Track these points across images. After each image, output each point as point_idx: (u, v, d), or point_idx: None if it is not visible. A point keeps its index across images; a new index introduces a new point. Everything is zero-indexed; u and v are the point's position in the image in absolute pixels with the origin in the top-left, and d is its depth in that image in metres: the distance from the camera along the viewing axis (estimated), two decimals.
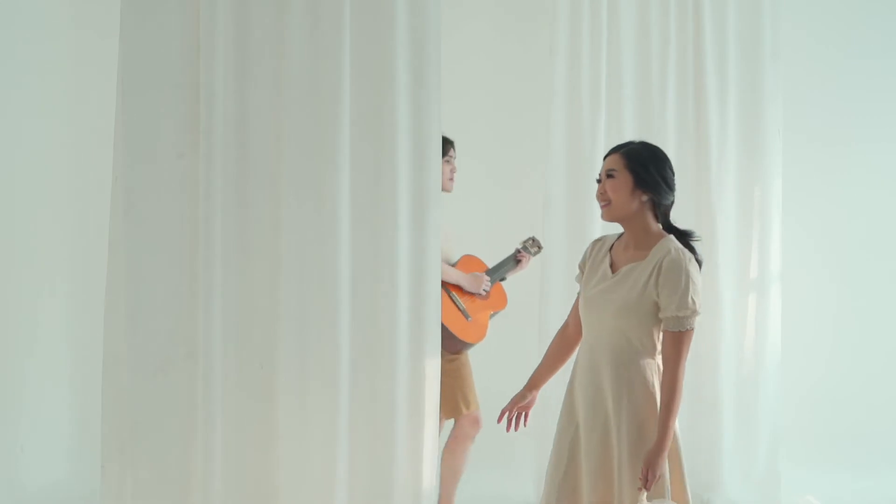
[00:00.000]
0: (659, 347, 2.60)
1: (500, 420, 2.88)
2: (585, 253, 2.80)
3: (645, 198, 2.61)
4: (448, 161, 3.72)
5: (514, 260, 3.94)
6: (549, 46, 4.23)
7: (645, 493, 2.51)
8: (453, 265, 3.79)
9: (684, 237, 2.64)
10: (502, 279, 3.93)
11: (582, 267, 2.79)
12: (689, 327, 2.53)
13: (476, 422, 3.68)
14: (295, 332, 2.93)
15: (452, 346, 3.63)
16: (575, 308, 2.81)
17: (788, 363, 4.53)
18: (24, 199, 4.28)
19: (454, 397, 3.63)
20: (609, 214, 2.65)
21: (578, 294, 2.78)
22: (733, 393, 4.33)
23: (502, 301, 3.90)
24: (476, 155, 3.89)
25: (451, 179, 3.74)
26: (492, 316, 3.84)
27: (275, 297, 2.92)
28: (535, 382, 2.87)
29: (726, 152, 4.33)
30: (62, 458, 4.39)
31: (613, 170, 2.62)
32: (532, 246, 3.96)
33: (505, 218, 4.73)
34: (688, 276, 2.52)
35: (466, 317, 3.71)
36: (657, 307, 2.55)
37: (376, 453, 3.01)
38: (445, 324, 3.57)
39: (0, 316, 4.17)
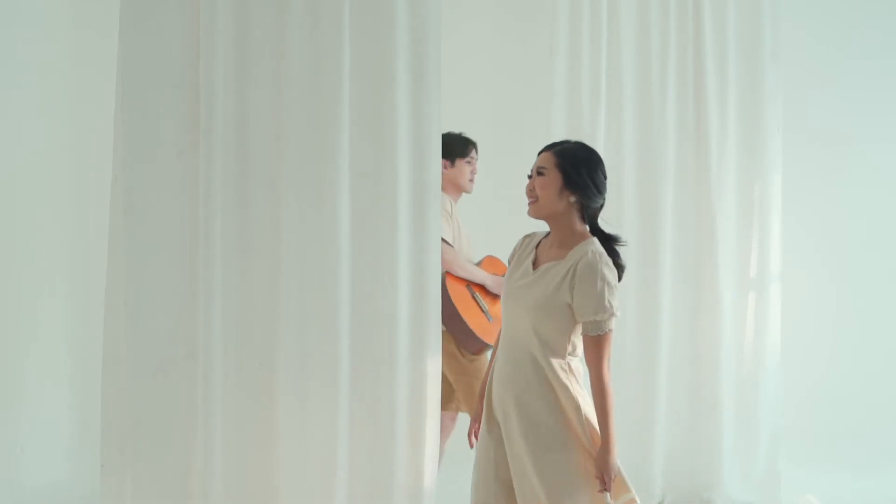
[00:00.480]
0: (569, 348, 2.59)
1: (472, 447, 2.87)
2: (515, 247, 2.81)
3: (573, 199, 2.60)
4: (469, 162, 3.71)
5: None
6: (549, 46, 4.22)
7: (608, 495, 2.53)
8: (476, 265, 3.78)
9: (609, 241, 2.64)
10: None
11: (510, 261, 2.80)
12: (608, 330, 2.53)
13: None
14: (295, 332, 2.93)
15: (474, 346, 3.62)
16: None
17: (788, 363, 4.52)
18: (24, 199, 4.28)
19: (475, 396, 3.64)
20: (535, 211, 2.65)
21: None
22: (733, 393, 4.33)
23: None
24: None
25: (472, 181, 3.74)
26: None
27: (275, 297, 2.92)
28: (484, 393, 2.84)
29: (726, 152, 4.33)
30: (62, 458, 4.38)
31: (544, 168, 2.62)
32: None
33: (505, 218, 4.72)
34: (603, 280, 2.51)
35: (488, 318, 3.70)
36: (569, 309, 2.55)
37: (376, 453, 3.00)
38: (469, 324, 3.56)
39: (0, 316, 4.17)
